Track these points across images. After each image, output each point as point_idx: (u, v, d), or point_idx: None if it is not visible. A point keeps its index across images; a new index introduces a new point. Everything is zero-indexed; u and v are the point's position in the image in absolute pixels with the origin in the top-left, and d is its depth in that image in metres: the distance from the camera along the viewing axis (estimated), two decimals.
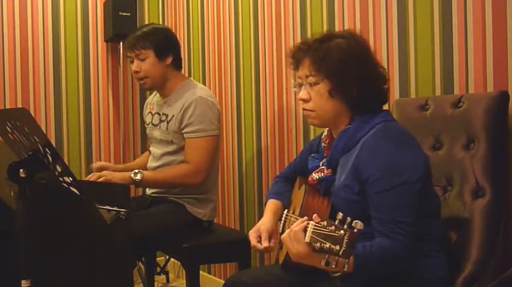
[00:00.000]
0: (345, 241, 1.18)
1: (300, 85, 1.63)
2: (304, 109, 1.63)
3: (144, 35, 2.49)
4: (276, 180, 1.96)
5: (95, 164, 2.61)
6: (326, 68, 1.55)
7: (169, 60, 2.51)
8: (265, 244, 1.69)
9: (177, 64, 2.56)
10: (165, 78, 2.53)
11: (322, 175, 1.64)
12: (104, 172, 2.37)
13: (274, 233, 1.74)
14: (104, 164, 2.65)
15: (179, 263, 3.39)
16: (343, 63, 1.55)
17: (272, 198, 1.86)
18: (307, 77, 1.59)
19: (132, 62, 2.52)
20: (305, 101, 1.61)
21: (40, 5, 3.32)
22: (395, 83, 2.12)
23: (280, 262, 1.69)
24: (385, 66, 2.14)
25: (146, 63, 2.48)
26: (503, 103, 1.66)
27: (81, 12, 3.44)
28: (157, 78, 2.50)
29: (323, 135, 1.76)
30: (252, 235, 1.73)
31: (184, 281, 2.62)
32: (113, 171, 2.48)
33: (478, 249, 1.57)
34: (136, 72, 2.50)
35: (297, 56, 1.63)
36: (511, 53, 1.74)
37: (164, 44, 2.50)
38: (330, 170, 1.63)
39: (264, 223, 1.76)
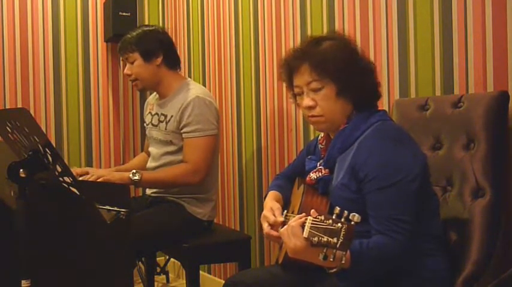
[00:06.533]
0: (342, 233, 1.18)
1: (300, 94, 1.62)
2: (312, 116, 1.60)
3: (130, 38, 2.52)
4: (276, 177, 1.96)
5: (75, 170, 2.37)
6: (329, 70, 1.54)
7: (158, 60, 2.51)
8: (280, 218, 1.65)
9: (170, 63, 2.55)
10: (158, 79, 2.53)
11: (320, 174, 1.65)
12: (103, 172, 2.37)
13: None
14: (85, 169, 2.46)
15: (179, 263, 3.38)
16: (344, 63, 1.55)
17: (273, 190, 1.84)
18: (308, 83, 1.57)
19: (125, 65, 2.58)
20: (311, 108, 1.59)
21: (40, 5, 3.32)
22: (395, 83, 2.12)
23: (280, 261, 1.69)
24: (385, 66, 2.14)
25: (135, 66, 2.51)
26: (503, 103, 1.66)
27: (81, 12, 3.44)
28: (147, 80, 2.53)
29: (319, 137, 1.76)
30: (267, 213, 1.68)
31: (184, 281, 2.62)
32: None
33: (478, 249, 1.57)
34: (128, 75, 2.55)
35: (293, 63, 1.61)
36: (511, 53, 1.74)
37: (150, 45, 2.50)
38: (327, 170, 1.64)
39: (271, 204, 1.73)
